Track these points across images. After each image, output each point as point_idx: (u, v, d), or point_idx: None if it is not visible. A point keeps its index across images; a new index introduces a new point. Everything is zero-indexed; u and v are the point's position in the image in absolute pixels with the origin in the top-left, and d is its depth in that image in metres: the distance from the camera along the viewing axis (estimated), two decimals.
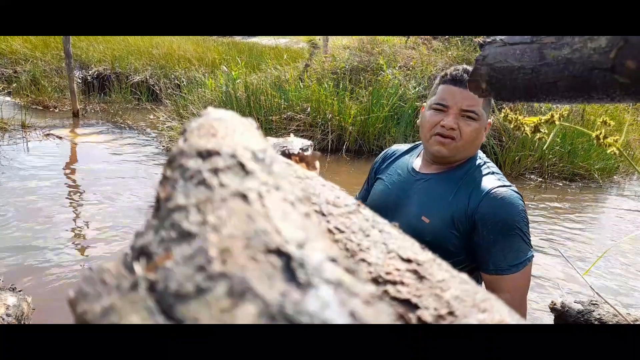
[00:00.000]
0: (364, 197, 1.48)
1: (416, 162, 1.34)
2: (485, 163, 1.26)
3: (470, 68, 1.24)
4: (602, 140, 0.72)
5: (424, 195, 1.25)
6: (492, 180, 1.19)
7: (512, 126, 0.77)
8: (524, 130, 0.76)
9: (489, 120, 1.26)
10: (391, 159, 1.43)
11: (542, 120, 0.75)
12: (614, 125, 0.77)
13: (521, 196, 1.20)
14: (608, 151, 0.73)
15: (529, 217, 1.20)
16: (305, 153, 0.58)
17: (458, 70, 1.21)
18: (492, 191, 1.16)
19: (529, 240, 1.17)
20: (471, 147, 1.23)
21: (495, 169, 1.25)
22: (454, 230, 1.18)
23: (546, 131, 0.75)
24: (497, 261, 1.15)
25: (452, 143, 1.20)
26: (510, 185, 1.20)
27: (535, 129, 0.75)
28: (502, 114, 0.78)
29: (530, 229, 1.19)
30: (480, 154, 1.29)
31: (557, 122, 0.74)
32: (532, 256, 1.18)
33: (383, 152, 1.49)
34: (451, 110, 1.20)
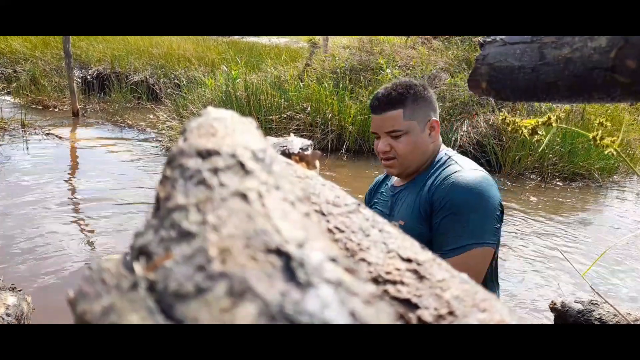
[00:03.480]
0: None
1: (393, 180, 1.43)
2: (449, 157, 1.28)
3: (383, 90, 1.27)
4: (599, 141, 0.72)
5: (399, 204, 1.32)
6: (452, 169, 1.22)
7: (509, 129, 0.78)
8: (522, 132, 0.76)
9: (433, 118, 1.28)
10: (376, 188, 1.53)
11: (540, 123, 0.75)
12: (614, 125, 0.77)
13: (490, 181, 1.16)
14: (606, 152, 0.73)
15: (502, 209, 1.16)
16: (306, 152, 0.58)
17: (374, 98, 1.28)
18: (447, 177, 1.19)
19: (480, 228, 1.11)
20: (416, 156, 1.27)
21: (460, 159, 1.26)
22: (424, 223, 1.21)
23: (544, 133, 0.76)
24: (439, 242, 1.15)
25: (394, 163, 1.28)
26: (469, 169, 1.19)
27: (533, 131, 0.76)
28: (500, 117, 0.79)
29: (495, 220, 1.13)
30: (446, 151, 1.32)
31: (554, 125, 0.74)
32: (476, 244, 1.10)
33: (370, 187, 1.59)
34: (380, 136, 1.28)
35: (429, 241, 1.20)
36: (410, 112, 1.24)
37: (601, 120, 0.78)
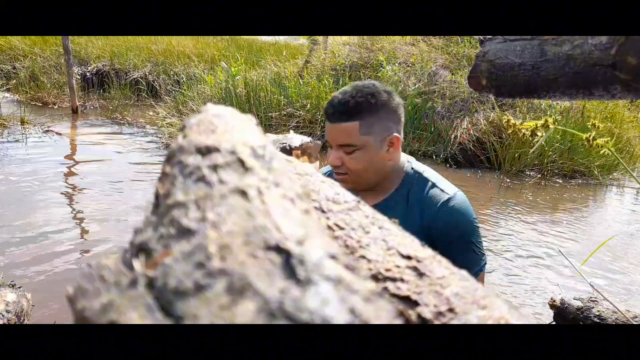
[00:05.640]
0: None
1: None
2: (419, 174, 1.19)
3: (340, 96, 1.12)
4: (592, 142, 0.74)
5: None
6: (439, 194, 1.14)
7: (509, 131, 0.79)
8: (523, 134, 0.77)
9: (394, 133, 1.14)
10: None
11: (538, 125, 0.77)
12: (614, 123, 0.79)
13: (467, 200, 1.15)
14: (601, 152, 0.75)
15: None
16: (308, 144, 0.58)
17: (330, 103, 1.14)
18: (443, 208, 1.11)
19: (481, 248, 1.15)
20: (370, 174, 1.15)
21: (433, 177, 1.18)
22: None
23: (543, 134, 0.77)
24: None
25: (346, 178, 1.15)
26: (454, 194, 1.14)
27: (532, 133, 0.77)
28: (504, 119, 0.80)
29: (481, 234, 1.17)
30: (413, 164, 1.21)
31: (551, 127, 0.75)
32: (485, 264, 1.15)
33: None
34: (333, 147, 1.15)
35: None
36: (368, 125, 1.10)
37: (594, 122, 0.79)
